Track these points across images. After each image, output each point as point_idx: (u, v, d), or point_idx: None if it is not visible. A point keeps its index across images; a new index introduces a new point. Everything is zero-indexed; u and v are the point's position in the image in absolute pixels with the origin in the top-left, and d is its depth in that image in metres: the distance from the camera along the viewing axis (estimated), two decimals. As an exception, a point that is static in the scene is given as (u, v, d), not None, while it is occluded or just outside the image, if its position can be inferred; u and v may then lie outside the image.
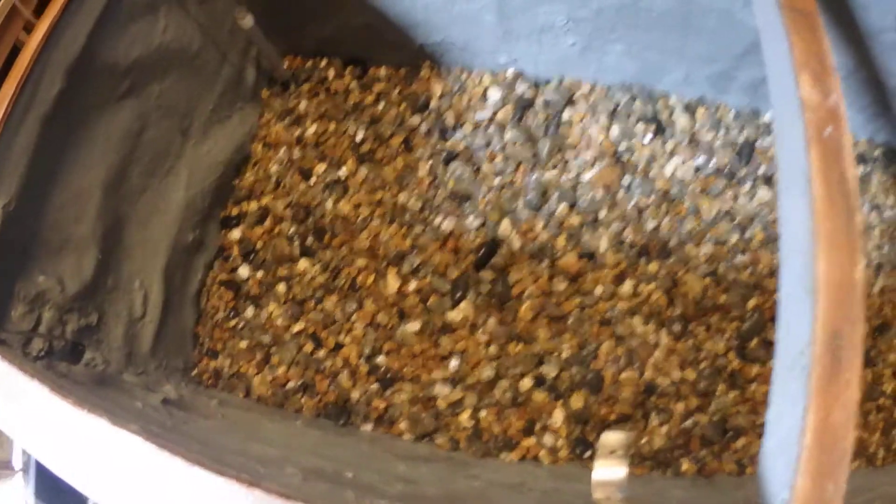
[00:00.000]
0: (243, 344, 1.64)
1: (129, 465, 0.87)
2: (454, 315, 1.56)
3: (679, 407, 1.52)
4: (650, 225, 1.63)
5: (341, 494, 0.94)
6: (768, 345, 1.54)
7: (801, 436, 0.72)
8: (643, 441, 1.52)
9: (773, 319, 1.55)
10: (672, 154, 1.69)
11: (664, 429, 1.51)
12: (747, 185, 1.68)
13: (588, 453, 1.46)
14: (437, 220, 1.65)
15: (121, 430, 0.89)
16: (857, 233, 0.81)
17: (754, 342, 1.53)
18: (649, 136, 1.70)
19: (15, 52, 1.20)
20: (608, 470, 0.85)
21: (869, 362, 1.66)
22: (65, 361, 1.33)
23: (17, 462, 2.10)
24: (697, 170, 1.69)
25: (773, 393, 0.88)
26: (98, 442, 0.89)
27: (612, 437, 0.87)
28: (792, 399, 0.78)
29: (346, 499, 0.91)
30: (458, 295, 1.57)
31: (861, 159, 1.85)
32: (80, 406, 0.92)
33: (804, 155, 0.85)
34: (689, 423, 1.51)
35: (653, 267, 1.60)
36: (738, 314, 1.56)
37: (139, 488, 0.86)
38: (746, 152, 1.69)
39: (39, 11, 1.24)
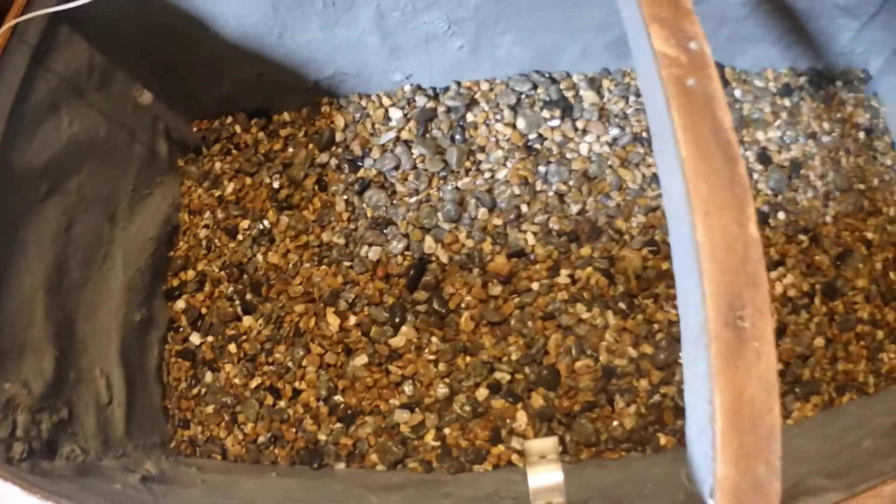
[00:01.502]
0: (209, 409, 1.63)
1: None
2: (397, 341, 1.53)
3: (643, 384, 1.47)
4: (574, 209, 1.58)
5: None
6: (723, 300, 1.49)
7: (711, 420, 0.65)
8: (615, 424, 1.50)
9: (721, 274, 1.51)
10: (584, 132, 1.63)
11: (632, 408, 1.46)
12: (668, 146, 1.62)
13: (559, 448, 1.44)
14: (363, 251, 1.60)
15: None
16: (743, 184, 0.73)
17: (707, 301, 1.49)
18: (557, 119, 1.64)
19: None
20: (543, 475, 0.80)
21: (837, 293, 1.60)
22: (45, 460, 1.36)
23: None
24: (613, 142, 1.62)
25: (686, 375, 0.80)
26: None
27: (535, 443, 0.82)
28: (702, 379, 0.70)
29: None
30: (397, 320, 1.53)
31: (787, 91, 1.78)
32: (46, 499, 0.91)
33: (666, 114, 0.77)
34: (656, 397, 1.46)
35: (585, 251, 1.54)
36: (684, 277, 1.51)
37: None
38: (661, 113, 1.64)
39: None
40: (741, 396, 0.66)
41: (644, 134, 1.59)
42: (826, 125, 1.70)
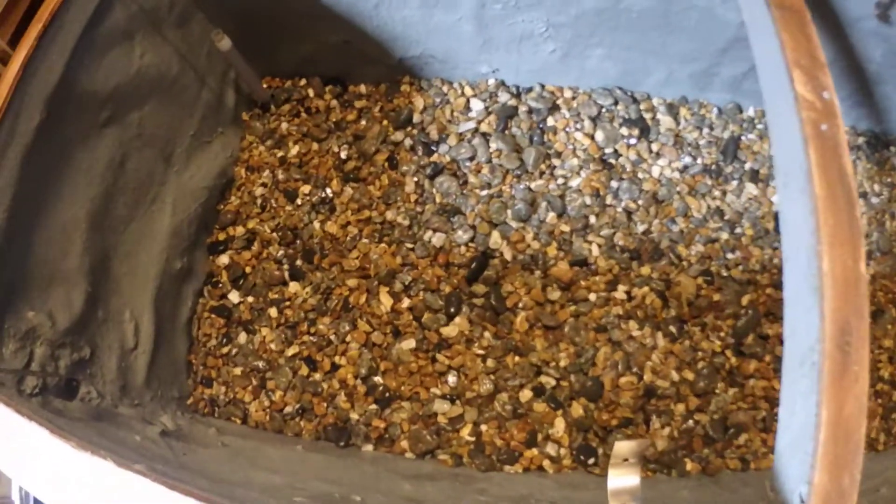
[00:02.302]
0: (238, 371, 1.59)
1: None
2: (449, 330, 1.52)
3: (679, 408, 1.49)
4: (640, 228, 1.60)
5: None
6: (764, 340, 1.51)
7: (815, 431, 0.73)
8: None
9: (767, 315, 1.53)
10: (658, 155, 1.66)
11: (666, 431, 1.48)
12: (734, 182, 1.65)
13: (592, 460, 1.43)
14: (427, 235, 1.61)
15: (127, 472, 0.86)
16: (859, 227, 0.81)
17: (750, 338, 1.51)
18: (634, 138, 1.67)
19: None
20: (622, 478, 0.85)
21: (864, 349, 1.64)
22: (60, 398, 1.28)
23: (16, 497, 2.04)
24: (684, 169, 1.66)
25: (784, 391, 0.88)
26: (104, 483, 0.86)
27: (624, 446, 0.87)
28: (803, 396, 0.78)
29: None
30: (452, 310, 1.53)
31: (845, 148, 1.83)
32: (83, 448, 0.89)
33: (802, 153, 0.85)
34: (690, 423, 1.49)
35: (645, 270, 1.57)
36: (733, 311, 1.53)
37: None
38: (731, 149, 1.67)
39: (14, 42, 1.20)
40: (841, 413, 0.74)
41: (713, 167, 1.62)
42: (877, 187, 1.75)
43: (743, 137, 1.68)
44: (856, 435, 0.72)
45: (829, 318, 0.75)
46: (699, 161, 1.66)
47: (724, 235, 1.60)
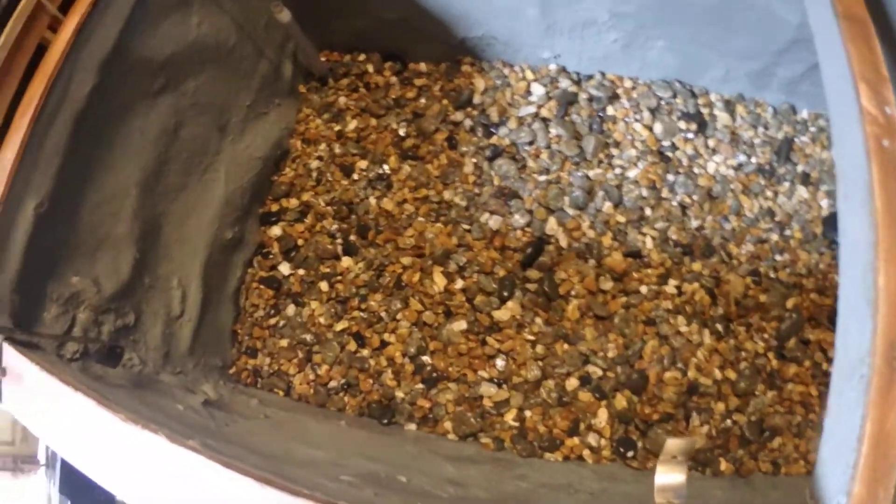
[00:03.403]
0: (284, 342, 1.60)
1: (187, 480, 0.86)
2: (501, 314, 1.54)
3: (719, 407, 1.52)
4: (694, 223, 1.62)
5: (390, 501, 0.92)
6: (806, 344, 1.54)
7: (858, 443, 0.74)
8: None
9: (810, 319, 1.56)
10: (714, 151, 1.68)
11: (705, 429, 1.51)
12: (786, 184, 1.66)
13: (630, 453, 1.44)
14: (484, 217, 1.63)
15: (180, 448, 0.87)
16: None
17: (792, 342, 1.54)
18: (691, 133, 1.68)
19: (41, 50, 1.18)
20: (669, 475, 0.85)
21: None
22: (102, 364, 1.28)
23: (42, 457, 2.04)
24: (739, 167, 1.68)
25: (831, 400, 0.91)
26: (155, 457, 0.88)
27: (675, 443, 0.88)
28: (849, 407, 0.80)
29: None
30: (506, 294, 1.56)
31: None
32: (133, 422, 0.90)
33: (865, 167, 0.87)
34: (728, 422, 1.51)
35: (696, 266, 1.59)
36: (778, 314, 1.56)
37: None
38: (785, 150, 1.68)
39: (65, 9, 1.22)
40: (884, 426, 0.74)
41: (767, 167, 1.64)
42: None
43: (796, 140, 1.69)
44: (894, 451, 0.74)
45: (880, 332, 0.77)
46: (753, 160, 1.67)
47: (774, 237, 1.61)
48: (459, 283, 1.60)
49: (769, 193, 1.69)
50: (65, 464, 1.87)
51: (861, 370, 0.78)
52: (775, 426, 1.49)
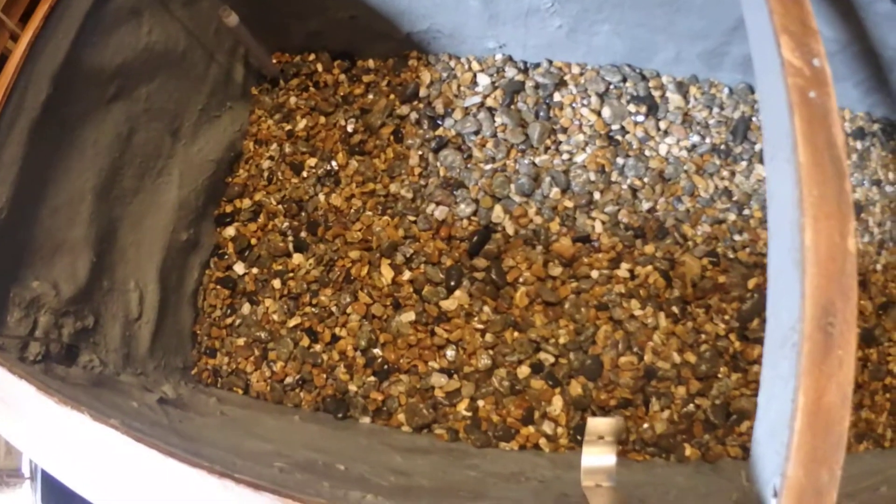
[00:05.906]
0: (241, 341, 1.59)
1: (110, 458, 0.85)
2: (449, 304, 1.50)
3: (680, 391, 1.45)
4: (645, 206, 1.56)
5: (316, 485, 0.88)
6: (770, 324, 1.46)
7: (791, 419, 0.66)
8: (645, 427, 1.45)
9: (774, 298, 1.48)
10: (666, 133, 1.62)
11: (665, 414, 1.44)
12: (743, 163, 1.60)
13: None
14: (430, 208, 1.59)
15: (100, 425, 0.86)
16: (848, 200, 0.74)
17: (755, 322, 1.46)
18: (641, 115, 1.62)
19: (1, 61, 1.18)
20: (597, 457, 0.81)
21: (874, 341, 1.58)
22: (60, 364, 1.29)
23: (26, 470, 2.06)
24: (692, 148, 1.62)
25: (764, 374, 0.82)
26: (80, 436, 0.87)
27: (599, 423, 0.83)
28: (783, 379, 0.72)
29: (319, 490, 0.85)
30: (453, 283, 1.51)
31: (860, 134, 1.76)
32: (63, 403, 0.89)
33: (788, 120, 0.79)
34: (690, 407, 1.45)
35: (649, 249, 1.53)
36: (739, 294, 1.49)
37: (121, 482, 0.84)
38: (742, 129, 1.62)
39: (25, 20, 1.21)
40: (820, 400, 0.67)
41: (722, 147, 1.58)
42: (891, 175, 1.69)
43: (754, 118, 1.63)
44: (837, 427, 0.66)
45: (810, 296, 0.69)
46: (708, 140, 1.61)
47: (732, 216, 1.55)
48: (407, 275, 1.54)
49: (725, 173, 1.62)
50: (45, 474, 1.88)
51: (792, 338, 0.70)
52: (742, 409, 1.40)
